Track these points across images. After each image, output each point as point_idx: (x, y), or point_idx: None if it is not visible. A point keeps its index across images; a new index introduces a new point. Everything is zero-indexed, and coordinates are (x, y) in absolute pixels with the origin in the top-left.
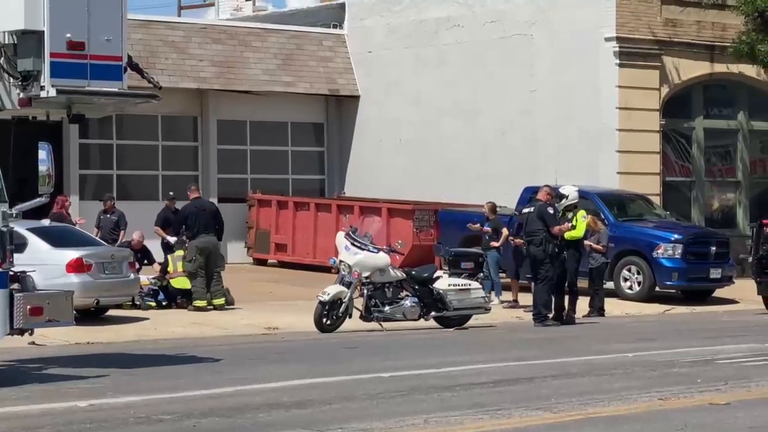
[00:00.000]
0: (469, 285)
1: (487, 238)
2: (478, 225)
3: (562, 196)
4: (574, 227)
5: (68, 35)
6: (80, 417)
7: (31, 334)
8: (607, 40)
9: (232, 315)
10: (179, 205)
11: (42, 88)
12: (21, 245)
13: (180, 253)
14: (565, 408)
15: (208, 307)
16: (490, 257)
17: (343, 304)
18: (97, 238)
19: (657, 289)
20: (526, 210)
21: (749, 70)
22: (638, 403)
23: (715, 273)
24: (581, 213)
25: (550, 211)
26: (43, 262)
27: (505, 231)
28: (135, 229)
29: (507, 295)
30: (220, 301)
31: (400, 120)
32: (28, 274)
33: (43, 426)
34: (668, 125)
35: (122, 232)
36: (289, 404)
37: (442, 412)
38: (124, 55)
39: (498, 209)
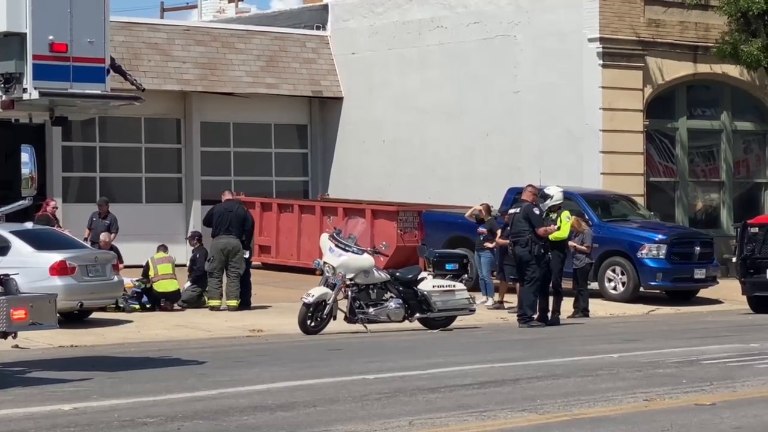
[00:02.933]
0: (454, 286)
1: (481, 239)
2: (474, 209)
3: (546, 197)
4: (558, 228)
5: (51, 37)
6: (64, 420)
7: (14, 337)
8: (591, 40)
9: (215, 317)
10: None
11: (24, 90)
12: (4, 248)
13: (160, 255)
14: (551, 409)
15: (221, 306)
16: (483, 258)
17: (328, 306)
18: (83, 242)
19: (641, 289)
20: (512, 210)
21: (732, 70)
22: (623, 404)
23: (700, 273)
24: (565, 214)
25: (536, 212)
26: (27, 265)
27: (498, 232)
28: (121, 231)
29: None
30: (234, 302)
31: (383, 121)
32: (11, 277)
33: (27, 429)
34: (652, 126)
35: (113, 235)
36: (273, 406)
37: (427, 413)
38: (106, 57)
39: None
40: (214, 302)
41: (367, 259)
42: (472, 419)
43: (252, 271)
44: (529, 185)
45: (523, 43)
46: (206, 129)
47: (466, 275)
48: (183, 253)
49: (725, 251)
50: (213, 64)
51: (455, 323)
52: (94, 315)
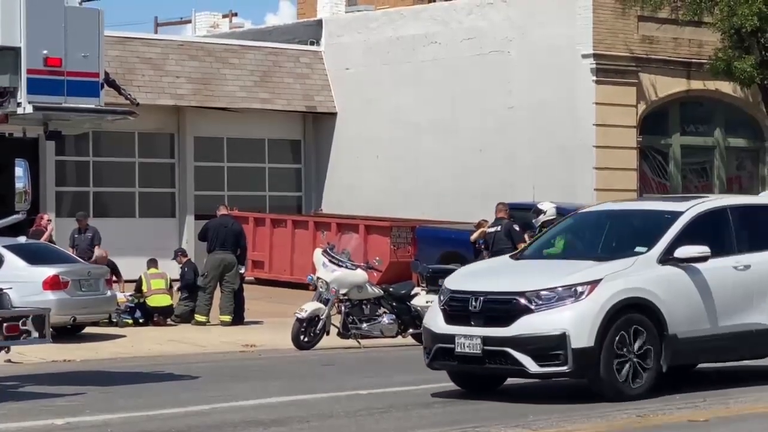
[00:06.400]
0: None
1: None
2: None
3: (539, 212)
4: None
5: (45, 52)
6: None
7: (7, 351)
8: (584, 57)
9: (208, 332)
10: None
11: (19, 104)
12: None
13: (154, 270)
14: (544, 425)
15: (209, 322)
16: None
17: (321, 321)
18: (74, 255)
19: None
20: (491, 229)
21: (726, 87)
22: (617, 420)
23: None
24: None
25: (517, 228)
26: (20, 280)
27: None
28: (110, 245)
29: None
30: (227, 318)
31: (377, 137)
32: (4, 291)
33: None
34: (645, 142)
35: (96, 248)
36: (267, 422)
37: (420, 429)
38: (101, 71)
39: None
40: (201, 318)
41: (360, 275)
42: None
43: (245, 286)
44: (499, 203)
45: (517, 59)
46: (200, 144)
47: None
48: (176, 267)
49: None
50: (207, 79)
51: None
52: (87, 330)
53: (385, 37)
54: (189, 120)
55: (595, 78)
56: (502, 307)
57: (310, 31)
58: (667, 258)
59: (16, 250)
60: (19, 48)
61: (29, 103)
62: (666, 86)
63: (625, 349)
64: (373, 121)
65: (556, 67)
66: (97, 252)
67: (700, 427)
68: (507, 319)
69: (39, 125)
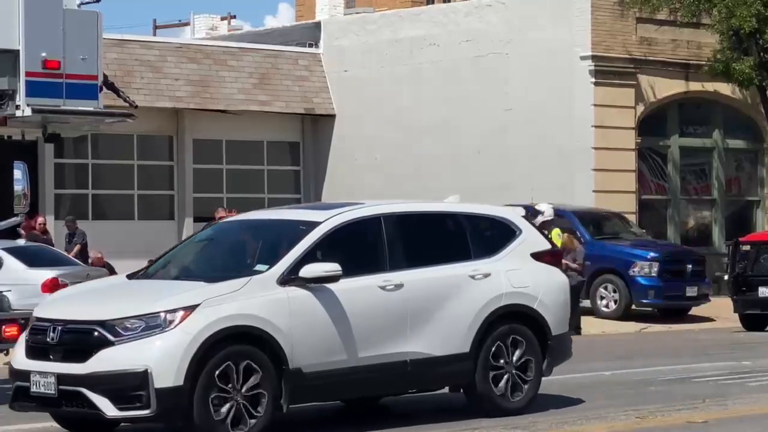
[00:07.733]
0: None
1: None
2: None
3: (537, 213)
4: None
5: (43, 54)
6: None
7: (6, 354)
8: (583, 58)
9: None
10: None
11: (17, 107)
12: None
13: None
14: (542, 427)
15: None
16: None
17: None
18: (72, 257)
19: (633, 307)
20: None
21: (724, 88)
22: (616, 422)
23: (692, 291)
24: (556, 231)
25: None
26: (19, 282)
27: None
28: (109, 248)
29: None
30: None
31: (375, 139)
32: (3, 293)
33: None
34: (644, 144)
35: (78, 247)
36: None
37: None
38: (99, 74)
39: None
40: None
41: None
42: None
43: None
44: None
45: (515, 60)
46: (198, 146)
47: None
48: None
49: (717, 269)
50: (205, 82)
51: None
52: None
53: (384, 39)
54: (187, 122)
55: (593, 80)
56: (80, 339)
57: (309, 34)
58: (290, 278)
59: (15, 252)
60: (18, 51)
61: (28, 105)
62: (664, 88)
63: (229, 387)
64: (371, 122)
65: (554, 69)
66: (93, 253)
67: (698, 429)
68: (85, 354)
69: (38, 128)
